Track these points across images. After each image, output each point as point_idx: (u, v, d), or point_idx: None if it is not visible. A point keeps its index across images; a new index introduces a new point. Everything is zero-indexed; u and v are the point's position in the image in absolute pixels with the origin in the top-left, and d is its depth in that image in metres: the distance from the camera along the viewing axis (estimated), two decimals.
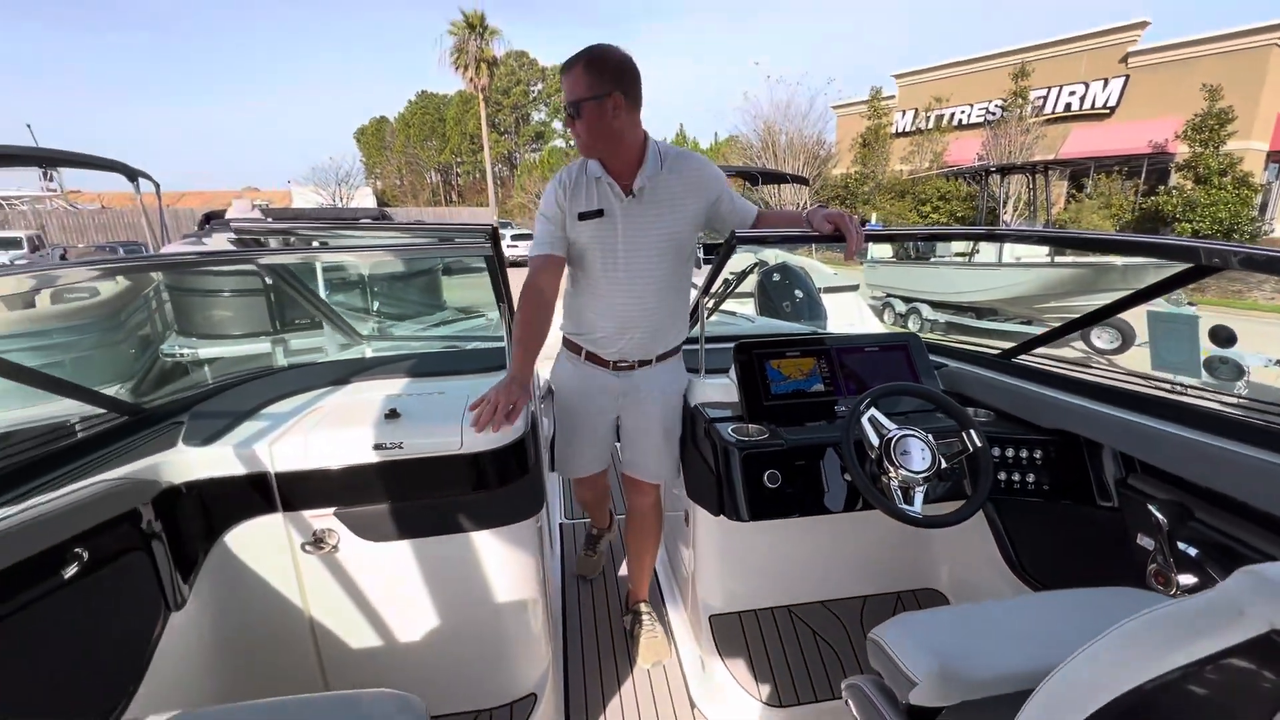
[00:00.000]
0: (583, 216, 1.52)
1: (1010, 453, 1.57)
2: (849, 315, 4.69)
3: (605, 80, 1.39)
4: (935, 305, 8.92)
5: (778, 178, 10.56)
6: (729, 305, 4.65)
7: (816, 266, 6.09)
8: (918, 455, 1.35)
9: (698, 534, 1.81)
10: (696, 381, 1.78)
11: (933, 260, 9.41)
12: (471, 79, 29.24)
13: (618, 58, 1.41)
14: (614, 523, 2.40)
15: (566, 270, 1.62)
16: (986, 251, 8.46)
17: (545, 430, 1.74)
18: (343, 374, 1.78)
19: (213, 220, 6.71)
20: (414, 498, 1.39)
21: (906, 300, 9.21)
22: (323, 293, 3.96)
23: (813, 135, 21.01)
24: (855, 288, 5.41)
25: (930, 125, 20.64)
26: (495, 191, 34.08)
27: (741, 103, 21.90)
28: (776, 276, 3.92)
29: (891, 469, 1.34)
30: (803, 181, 9.24)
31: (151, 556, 1.23)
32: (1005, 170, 8.70)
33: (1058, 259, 7.56)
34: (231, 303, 4.30)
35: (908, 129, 21.64)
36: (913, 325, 8.93)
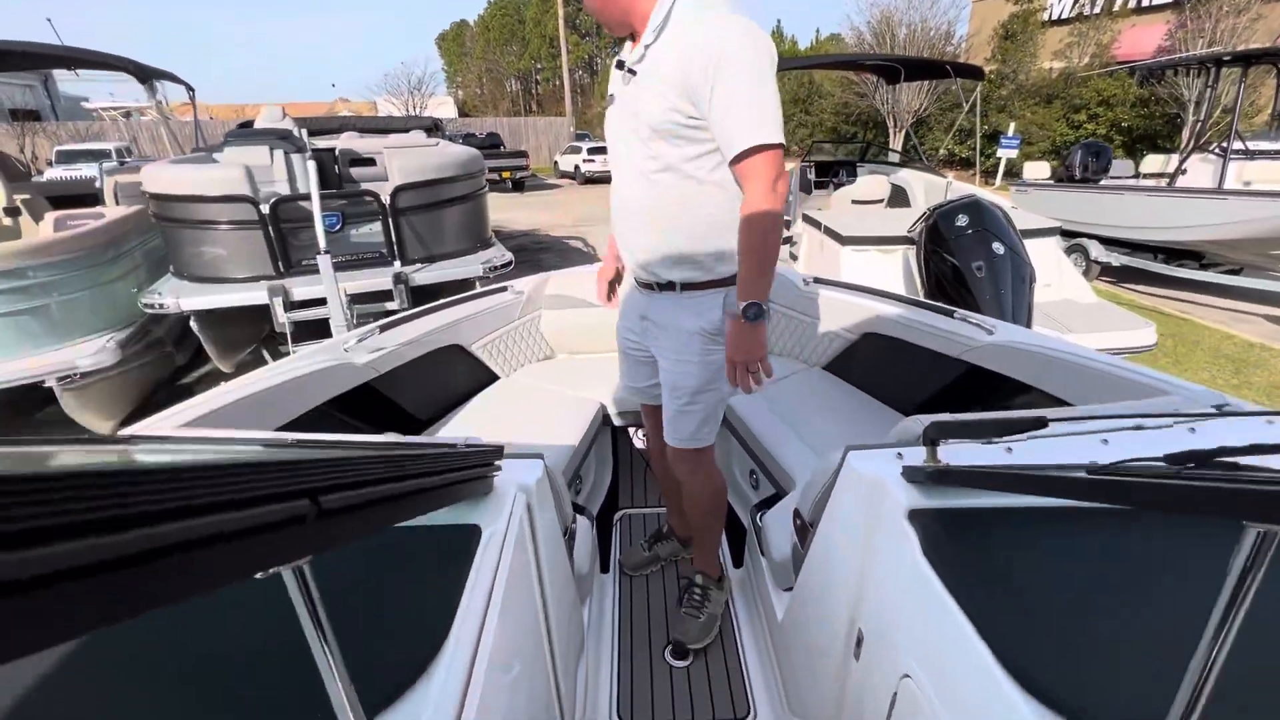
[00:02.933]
0: (607, 105, 1.35)
1: None
2: (1046, 274, 3.25)
3: None
4: (1108, 242, 6.95)
5: (933, 69, 7.56)
6: (864, 260, 3.47)
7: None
8: None
9: None
10: None
11: (1107, 184, 7.32)
12: None
13: None
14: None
15: None
16: (1198, 173, 6.37)
17: None
18: None
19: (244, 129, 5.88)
20: None
21: (1069, 234, 7.24)
22: (320, 226, 2.98)
23: (940, 26, 17.68)
24: (1055, 231, 3.86)
25: (1098, 8, 16.74)
26: (574, 100, 32.01)
27: None
28: (962, 220, 2.56)
29: None
30: (976, 75, 6.90)
31: None
32: (1246, 59, 6.24)
33: None
34: (229, 238, 3.43)
35: (1065, 15, 17.72)
36: (1075, 266, 7.04)
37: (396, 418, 1.91)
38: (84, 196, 5.77)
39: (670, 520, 1.98)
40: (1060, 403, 1.40)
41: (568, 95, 30.10)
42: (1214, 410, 1.03)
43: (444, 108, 32.60)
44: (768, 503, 1.75)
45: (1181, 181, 6.45)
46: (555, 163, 21.46)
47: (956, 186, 4.35)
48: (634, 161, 1.27)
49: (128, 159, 14.21)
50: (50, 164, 13.52)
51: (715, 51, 1.08)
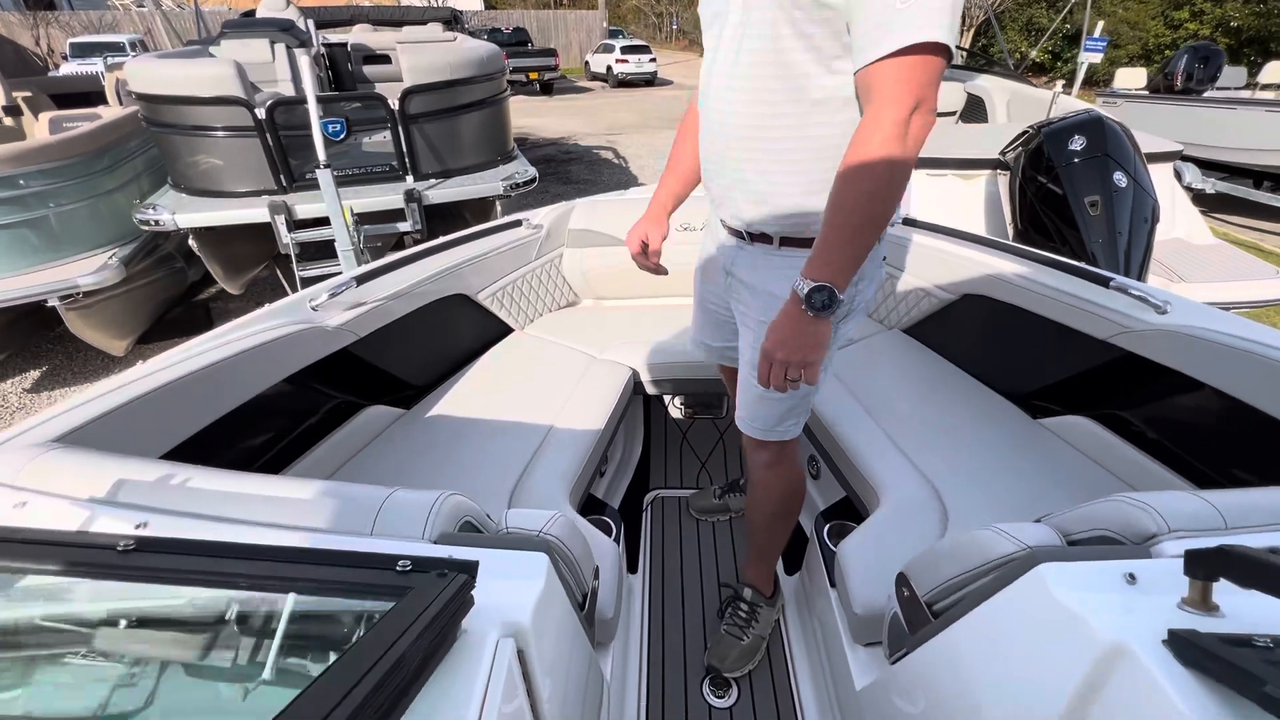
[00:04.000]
0: None
1: None
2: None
3: None
4: (1205, 166, 6.11)
5: None
6: (939, 188, 2.91)
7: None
8: None
9: None
10: None
11: (1213, 95, 6.37)
12: None
13: None
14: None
15: None
16: None
17: None
18: None
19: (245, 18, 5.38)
20: None
21: (1160, 157, 6.39)
22: (319, 134, 2.64)
23: None
24: (1176, 155, 3.27)
25: None
26: None
27: None
28: (1078, 142, 2.09)
29: None
30: None
31: None
32: None
33: None
34: (224, 146, 3.11)
35: None
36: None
37: (386, 385, 1.63)
38: (91, 95, 5.44)
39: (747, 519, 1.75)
40: (1252, 411, 1.05)
41: None
42: None
43: None
44: (838, 511, 1.46)
45: None
46: (586, 63, 19.99)
47: (1067, 102, 3.63)
48: (740, 58, 0.93)
49: (140, 53, 13.60)
50: (65, 58, 13.02)
51: None
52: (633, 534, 1.76)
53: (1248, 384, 1.05)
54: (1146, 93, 6.98)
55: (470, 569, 0.52)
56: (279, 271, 3.95)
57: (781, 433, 1.19)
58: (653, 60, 17.13)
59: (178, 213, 2.97)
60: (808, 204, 0.98)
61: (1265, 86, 6.50)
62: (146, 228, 2.99)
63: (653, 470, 2.07)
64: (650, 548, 1.74)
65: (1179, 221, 3.06)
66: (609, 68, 17.37)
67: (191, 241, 3.10)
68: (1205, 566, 0.48)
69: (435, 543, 0.64)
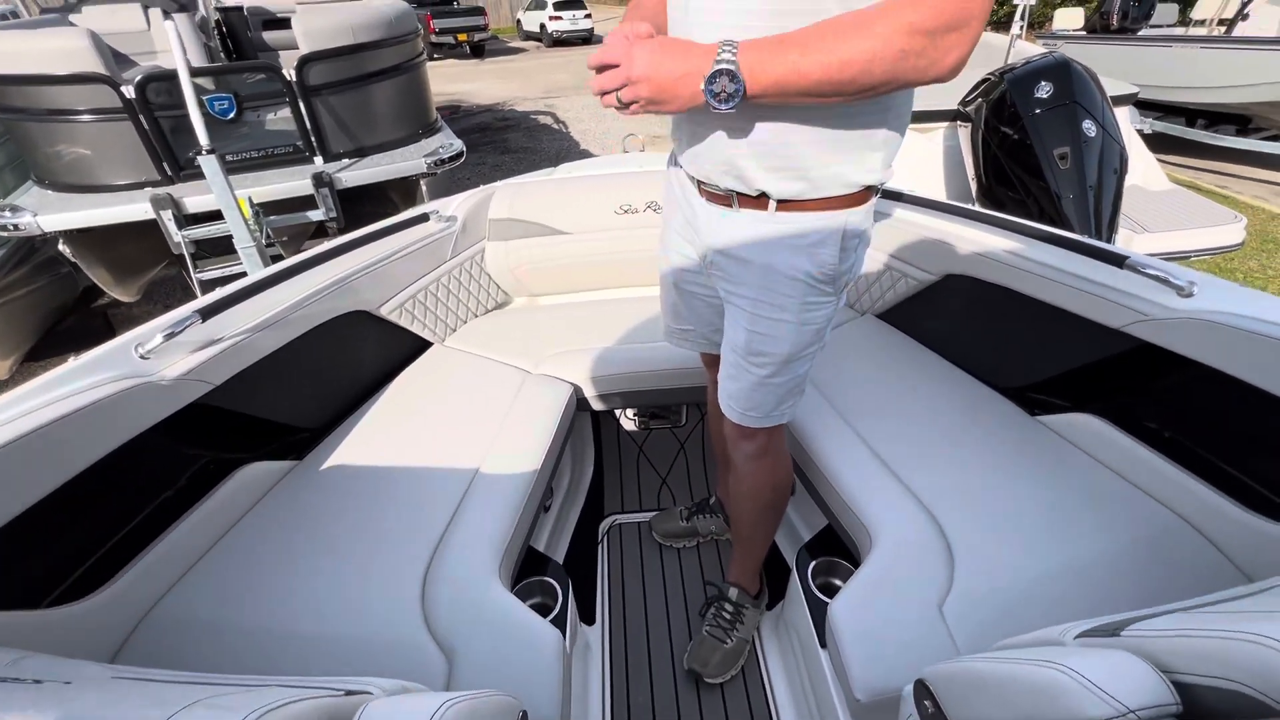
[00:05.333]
0: None
1: None
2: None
3: None
4: (1143, 106, 6.14)
5: None
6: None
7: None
8: None
9: None
10: None
11: (1147, 34, 6.39)
12: None
13: None
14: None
15: None
16: (1263, 19, 5.50)
17: None
18: None
19: None
20: None
21: None
22: (197, 114, 2.27)
23: None
24: (1132, 97, 3.16)
25: None
26: None
27: None
28: (1045, 90, 1.94)
29: None
30: None
31: None
32: None
33: None
34: (91, 132, 2.68)
35: None
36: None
37: (265, 435, 1.33)
38: None
39: (721, 491, 1.61)
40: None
41: None
42: None
43: None
44: (822, 543, 1.29)
45: (1241, 29, 5.57)
46: (518, 21, 18.97)
47: (1025, 47, 3.46)
48: (720, 18, 0.78)
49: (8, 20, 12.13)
50: None
51: None
52: (588, 573, 1.55)
53: (1274, 374, 0.90)
54: (1084, 33, 6.95)
55: None
56: (184, 271, 3.54)
57: (778, 416, 1.08)
58: (588, 16, 16.37)
59: (41, 213, 2.55)
60: (817, 158, 0.84)
61: (1198, 23, 6.54)
62: (4, 233, 2.57)
63: (607, 493, 1.83)
64: (608, 589, 1.52)
65: (1136, 167, 2.98)
66: (542, 25, 16.52)
67: (63, 246, 2.69)
68: None
69: None
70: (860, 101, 0.77)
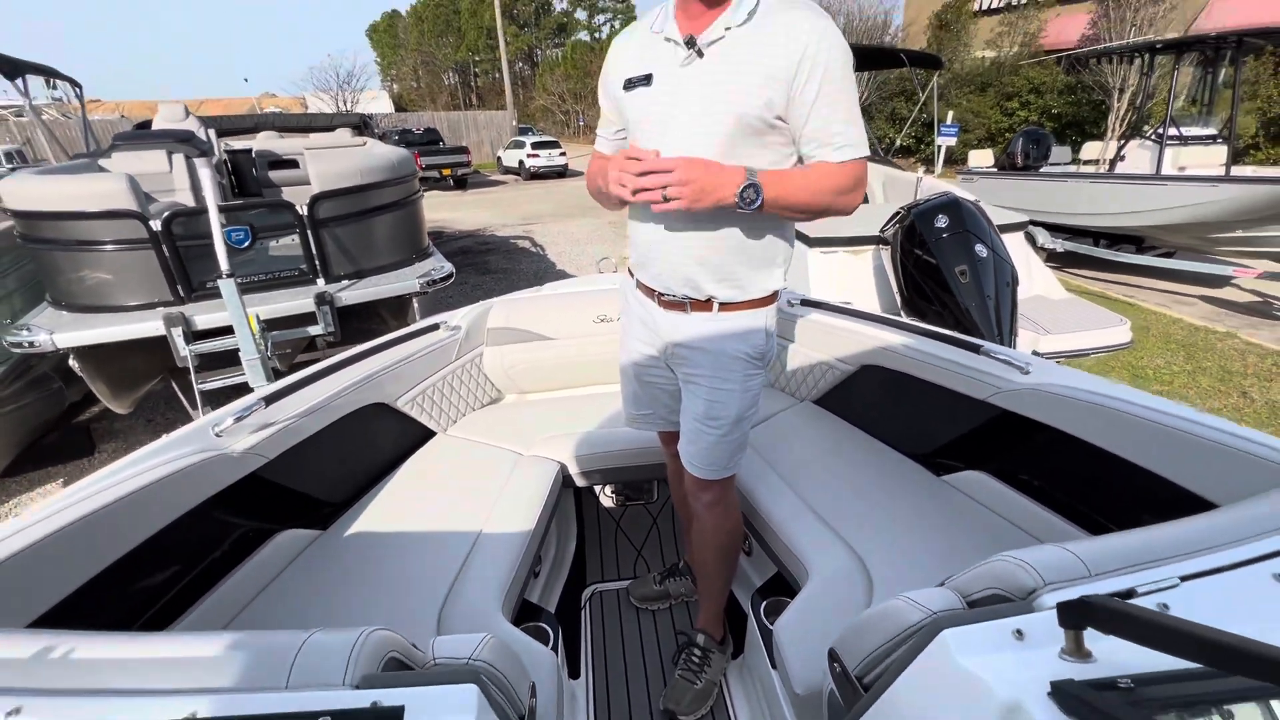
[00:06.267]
0: (628, 85, 1.18)
1: None
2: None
3: None
4: (1052, 228, 7.06)
5: (887, 58, 7.40)
6: (833, 263, 3.24)
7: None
8: None
9: None
10: None
11: (1048, 171, 7.45)
12: None
13: None
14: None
15: None
16: (1136, 159, 6.51)
17: None
18: None
19: (140, 130, 5.25)
20: None
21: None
22: (221, 244, 2.56)
23: (876, 16, 17.88)
24: (1025, 225, 3.75)
25: (1024, 1, 17.26)
26: (515, 93, 31.16)
27: None
28: (942, 221, 2.38)
29: None
30: (934, 64, 6.83)
31: None
32: (1179, 47, 6.36)
33: (1242, 173, 5.66)
34: (114, 260, 2.95)
35: (994, 5, 18.23)
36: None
37: (298, 506, 1.54)
38: None
39: (690, 556, 1.84)
40: (1107, 455, 1.19)
41: (508, 88, 29.17)
42: None
43: (378, 102, 31.18)
44: (772, 587, 1.50)
45: (1120, 167, 6.58)
46: (498, 158, 20.74)
47: (930, 183, 4.19)
48: (693, 152, 1.08)
49: (19, 165, 12.85)
50: None
51: (820, 46, 1.02)
52: (573, 634, 1.70)
53: (1100, 432, 1.21)
54: (996, 170, 8.05)
55: (396, 715, 0.49)
56: (174, 384, 3.68)
57: (732, 468, 1.35)
58: (563, 154, 18.02)
59: (56, 332, 2.75)
60: (745, 273, 1.19)
61: (1087, 162, 7.67)
62: (19, 350, 2.74)
63: (588, 564, 2.03)
64: (591, 647, 1.68)
65: (1036, 281, 3.49)
66: (521, 162, 18.08)
67: (72, 361, 2.86)
68: (1073, 617, 0.54)
69: (358, 688, 0.60)
70: (774, 234, 1.18)
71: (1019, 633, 0.59)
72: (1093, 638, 0.54)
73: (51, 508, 0.96)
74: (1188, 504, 1.06)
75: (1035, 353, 2.89)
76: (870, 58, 7.32)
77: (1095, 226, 6.62)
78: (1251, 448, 0.99)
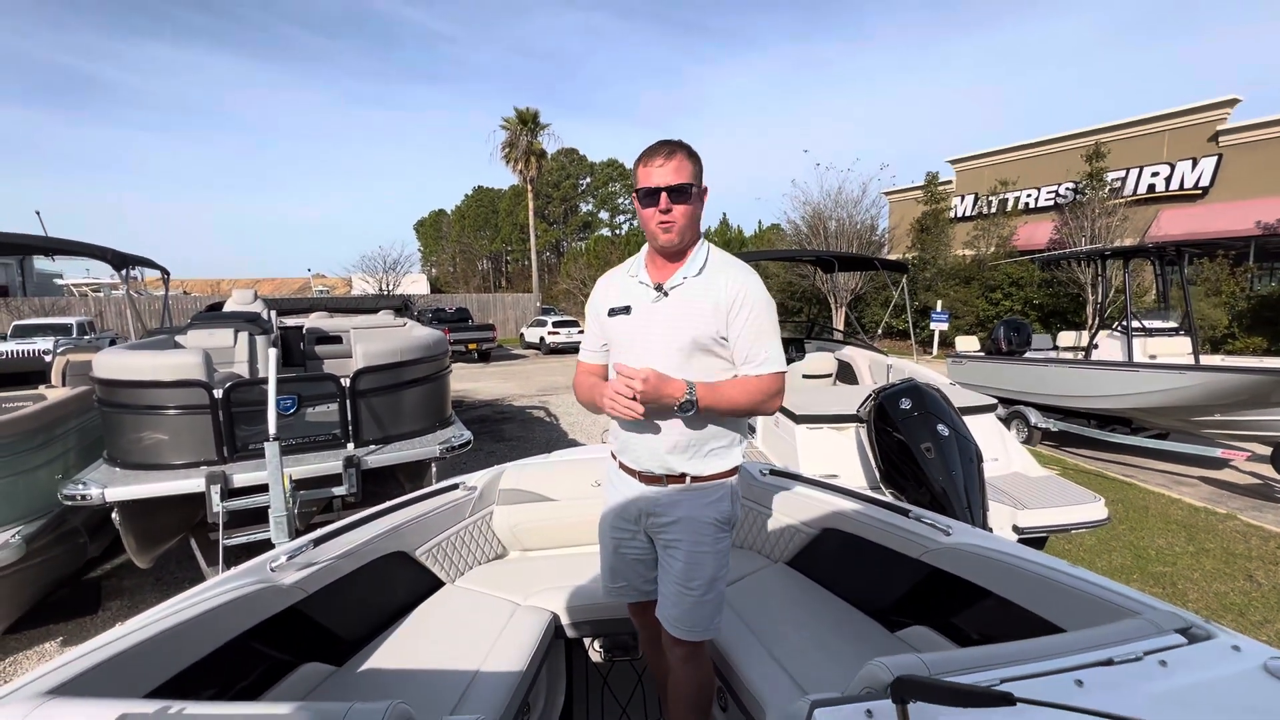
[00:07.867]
0: (612, 313, 1.57)
1: None
2: (991, 448, 3.37)
3: (700, 172, 1.48)
4: (1043, 409, 7.40)
5: (862, 263, 8.89)
6: (819, 438, 3.55)
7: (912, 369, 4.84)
8: None
9: None
10: None
11: (1031, 356, 7.99)
12: (520, 170, 30.11)
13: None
14: None
15: None
16: (1108, 348, 7.02)
17: None
18: None
19: (212, 310, 5.99)
20: None
21: (1009, 402, 7.71)
22: (274, 412, 2.90)
23: (865, 222, 20.21)
24: (993, 407, 4.08)
25: (994, 209, 19.57)
26: (541, 278, 34.44)
27: (789, 189, 21.45)
28: (906, 403, 2.69)
29: None
30: (900, 269, 7.92)
31: None
32: (1125, 254, 7.28)
33: (1212, 362, 6.10)
34: (174, 423, 3.31)
35: (968, 213, 20.63)
36: (1016, 433, 7.38)
37: (319, 642, 1.70)
38: (29, 374, 5.62)
39: (666, 713, 1.87)
40: (1022, 610, 1.36)
41: (535, 275, 32.41)
42: (1182, 639, 1.02)
43: (417, 284, 34.42)
44: None
45: (1095, 355, 7.07)
46: (521, 334, 22.38)
47: (899, 366, 4.66)
48: (666, 364, 1.46)
49: (90, 334, 14.18)
50: (4, 338, 13.36)
51: (747, 294, 1.46)
52: None
53: (1007, 584, 1.40)
54: (983, 355, 8.63)
55: None
56: (193, 541, 3.84)
57: (713, 630, 1.53)
58: (581, 332, 19.45)
59: (109, 486, 3.02)
60: (709, 454, 1.51)
61: (1064, 349, 8.24)
62: (72, 503, 2.99)
63: (576, 713, 2.10)
64: None
65: (1013, 458, 3.71)
66: (542, 338, 19.55)
67: (115, 515, 3.09)
68: (899, 692, 0.73)
69: None
70: (727, 425, 1.50)
71: (870, 712, 0.77)
72: (917, 711, 0.72)
73: (152, 615, 1.17)
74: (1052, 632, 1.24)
75: (1015, 527, 3.01)
76: (850, 262, 8.36)
77: (1082, 408, 6.95)
78: (1104, 594, 1.23)
